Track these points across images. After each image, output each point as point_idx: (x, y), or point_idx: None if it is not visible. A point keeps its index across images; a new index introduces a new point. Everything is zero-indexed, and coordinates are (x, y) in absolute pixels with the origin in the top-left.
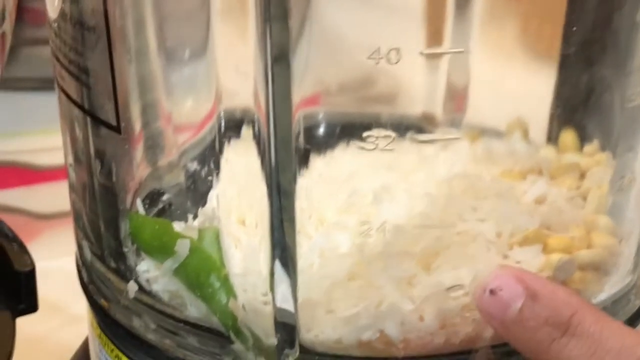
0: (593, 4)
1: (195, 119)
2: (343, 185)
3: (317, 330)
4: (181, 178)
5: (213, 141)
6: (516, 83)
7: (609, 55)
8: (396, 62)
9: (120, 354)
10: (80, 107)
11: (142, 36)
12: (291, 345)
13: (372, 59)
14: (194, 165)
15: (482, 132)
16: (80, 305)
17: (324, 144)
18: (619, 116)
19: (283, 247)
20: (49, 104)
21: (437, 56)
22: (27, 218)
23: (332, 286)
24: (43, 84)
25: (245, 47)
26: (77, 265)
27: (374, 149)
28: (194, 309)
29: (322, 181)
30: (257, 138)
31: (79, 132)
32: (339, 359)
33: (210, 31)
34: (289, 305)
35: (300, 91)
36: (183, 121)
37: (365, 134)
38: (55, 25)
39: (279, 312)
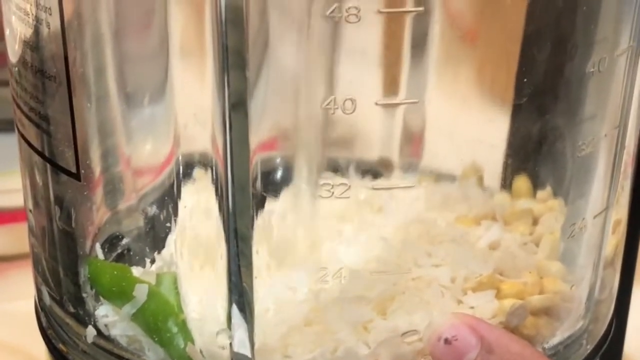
0: (545, 55)
1: (154, 163)
2: (301, 230)
3: None
4: (140, 222)
5: (171, 186)
6: (471, 129)
7: (561, 105)
8: (351, 112)
9: None
10: (40, 154)
11: (102, 81)
12: None
13: (328, 108)
14: (152, 210)
15: (438, 177)
16: (39, 348)
17: (282, 188)
18: (571, 164)
19: (240, 292)
20: (9, 145)
21: (393, 105)
22: None
23: (288, 331)
24: (4, 126)
25: (203, 93)
26: (36, 310)
27: (330, 196)
28: (152, 354)
29: (279, 226)
30: (215, 183)
31: (38, 178)
32: None
33: (169, 75)
34: (246, 350)
35: (257, 136)
36: (142, 165)
37: (321, 182)
38: (16, 70)
39: (236, 356)
